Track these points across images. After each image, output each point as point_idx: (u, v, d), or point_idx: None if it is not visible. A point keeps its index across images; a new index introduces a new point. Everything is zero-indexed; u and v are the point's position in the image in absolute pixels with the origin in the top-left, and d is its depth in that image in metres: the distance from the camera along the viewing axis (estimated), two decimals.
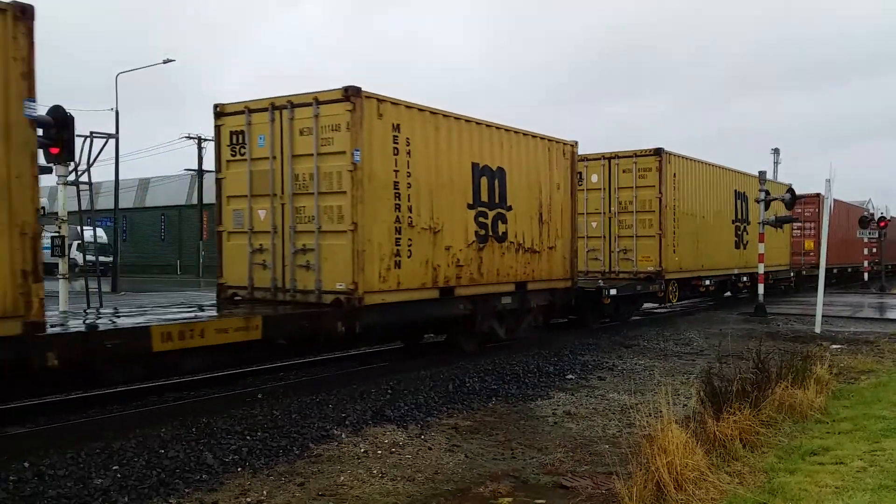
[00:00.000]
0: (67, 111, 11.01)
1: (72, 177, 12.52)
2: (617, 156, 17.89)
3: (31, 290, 6.32)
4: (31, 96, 6.29)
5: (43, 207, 8.74)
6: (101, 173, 44.74)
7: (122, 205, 35.96)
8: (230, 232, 10.83)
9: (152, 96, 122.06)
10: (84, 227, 19.03)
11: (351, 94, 9.43)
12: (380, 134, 9.85)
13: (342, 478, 6.33)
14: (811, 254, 30.86)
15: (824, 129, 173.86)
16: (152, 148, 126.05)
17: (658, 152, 17.37)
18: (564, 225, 13.91)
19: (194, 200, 48.79)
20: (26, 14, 6.24)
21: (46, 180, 13.27)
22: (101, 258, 32.41)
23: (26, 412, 7.93)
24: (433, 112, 10.75)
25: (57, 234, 12.45)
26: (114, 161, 31.34)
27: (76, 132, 11.48)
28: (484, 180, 11.71)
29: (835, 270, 34.07)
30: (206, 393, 9.25)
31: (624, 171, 17.79)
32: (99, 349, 7.00)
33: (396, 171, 10.10)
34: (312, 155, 9.81)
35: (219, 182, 10.91)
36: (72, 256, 21.48)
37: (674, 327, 16.94)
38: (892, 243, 38.91)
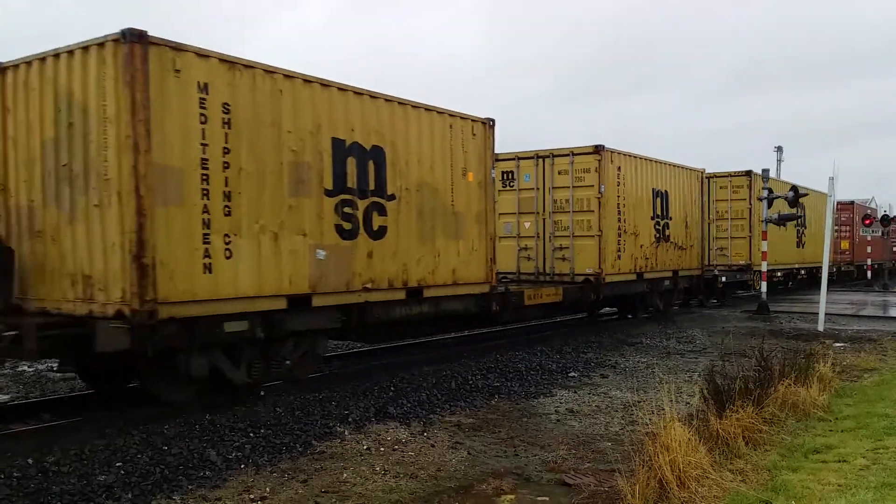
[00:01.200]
0: None
1: None
2: (715, 175, 23.46)
3: (492, 268, 11.92)
4: (493, 166, 11.92)
5: None
6: None
7: None
8: (500, 237, 16.42)
9: None
10: None
11: (599, 150, 15.03)
12: (610, 173, 15.42)
13: (345, 475, 6.32)
14: (846, 252, 36.74)
15: (827, 126, 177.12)
16: None
17: (748, 174, 22.98)
18: (697, 229, 19.49)
19: None
20: (493, 125, 11.90)
21: None
22: None
23: (31, 410, 8.27)
24: (634, 156, 16.31)
25: None
26: None
27: None
28: (658, 199, 17.28)
29: (864, 267, 39.64)
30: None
31: (721, 188, 23.40)
32: (508, 301, 12.58)
33: (618, 197, 15.67)
34: (568, 187, 15.41)
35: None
36: None
37: (676, 325, 17.19)
38: None
